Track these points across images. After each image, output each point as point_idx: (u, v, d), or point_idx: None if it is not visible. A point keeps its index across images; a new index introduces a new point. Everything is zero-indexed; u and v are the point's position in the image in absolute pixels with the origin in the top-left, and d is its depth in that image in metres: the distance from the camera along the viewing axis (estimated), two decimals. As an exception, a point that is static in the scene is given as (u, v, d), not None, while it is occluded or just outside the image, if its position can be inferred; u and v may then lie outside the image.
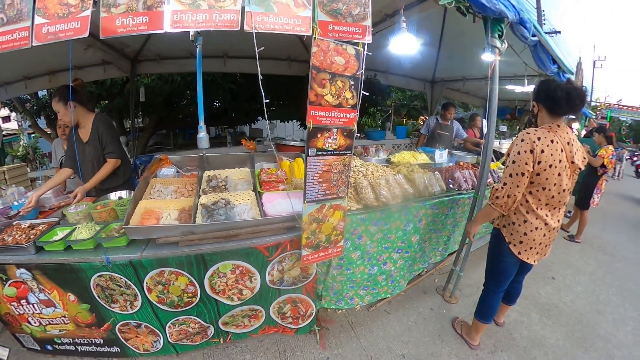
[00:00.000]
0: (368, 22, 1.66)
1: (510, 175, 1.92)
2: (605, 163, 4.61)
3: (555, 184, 1.91)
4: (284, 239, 2.01)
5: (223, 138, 9.32)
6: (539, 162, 1.84)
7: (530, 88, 4.81)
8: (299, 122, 7.44)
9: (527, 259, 2.12)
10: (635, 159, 16.14)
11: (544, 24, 13.71)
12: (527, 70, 4.27)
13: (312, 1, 1.55)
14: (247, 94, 7.55)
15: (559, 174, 1.89)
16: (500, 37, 2.45)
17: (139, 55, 4.91)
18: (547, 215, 2.02)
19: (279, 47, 5.07)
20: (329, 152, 1.80)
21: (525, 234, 2.05)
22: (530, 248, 2.10)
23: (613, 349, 2.66)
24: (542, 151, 1.83)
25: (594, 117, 9.54)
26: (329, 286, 2.54)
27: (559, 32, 15.42)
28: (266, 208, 2.09)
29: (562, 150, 1.87)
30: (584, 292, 3.49)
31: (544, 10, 13.33)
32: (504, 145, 6.10)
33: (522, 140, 1.88)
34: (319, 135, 1.72)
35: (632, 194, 10.44)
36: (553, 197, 1.96)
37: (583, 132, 7.12)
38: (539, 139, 1.85)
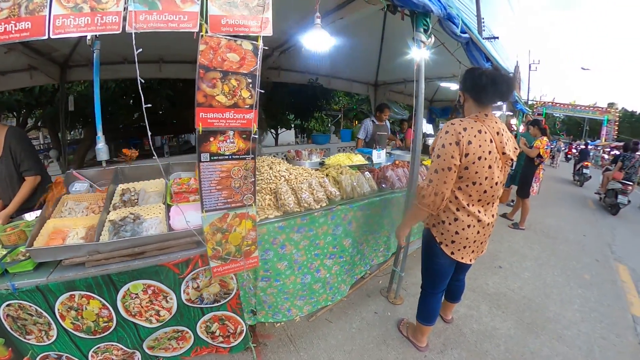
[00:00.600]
0: (268, 14, 1.50)
1: (436, 171, 1.69)
2: (541, 153, 4.75)
3: (486, 178, 1.72)
4: (193, 254, 1.80)
5: (171, 147, 8.68)
6: (467, 155, 1.63)
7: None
8: None
9: (462, 258, 1.91)
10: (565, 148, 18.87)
11: (484, 30, 14.39)
12: (462, 68, 4.30)
13: (201, -5, 1.40)
14: (188, 100, 7.00)
15: (490, 167, 1.70)
16: (426, 31, 2.38)
17: (69, 60, 4.40)
18: (479, 212, 1.82)
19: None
20: (226, 157, 1.61)
21: (457, 232, 1.84)
22: (464, 247, 1.89)
23: (563, 330, 2.65)
24: (469, 142, 1.62)
25: (530, 113, 10.18)
26: (261, 300, 2.29)
27: (497, 38, 16.36)
28: (172, 222, 1.85)
29: (491, 141, 1.68)
30: (531, 277, 3.48)
31: (483, 18, 13.98)
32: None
33: (447, 132, 1.66)
34: (211, 139, 1.54)
35: (565, 176, 12.72)
36: (485, 191, 1.76)
37: (522, 128, 7.32)
38: (465, 129, 1.64)
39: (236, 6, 1.44)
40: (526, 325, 2.66)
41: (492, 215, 1.91)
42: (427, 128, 8.09)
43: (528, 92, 26.02)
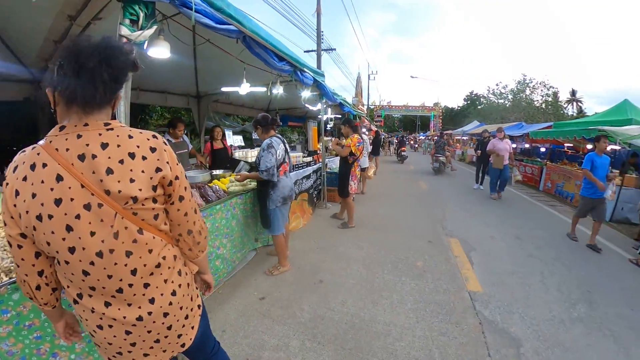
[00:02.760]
0: None
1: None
2: (353, 151, 4.50)
3: (71, 249, 0.85)
4: None
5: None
6: (22, 216, 0.84)
7: (246, 88, 4.42)
8: None
9: None
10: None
11: (323, 42, 14.97)
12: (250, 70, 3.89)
13: None
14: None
15: (70, 228, 0.83)
16: (134, 22, 1.64)
17: None
18: (107, 306, 0.93)
19: None
20: None
21: (90, 334, 1.00)
22: (118, 354, 1.00)
23: (395, 342, 2.19)
24: (17, 193, 0.82)
25: (365, 115, 11.30)
26: None
27: (334, 49, 17.43)
28: None
29: (59, 179, 0.82)
30: (356, 284, 2.95)
31: (323, 31, 14.49)
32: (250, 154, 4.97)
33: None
34: None
35: (394, 159, 16.94)
36: (86, 273, 0.88)
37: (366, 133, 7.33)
38: (14, 169, 0.85)
39: None
40: (347, 353, 2.09)
41: (161, 306, 0.99)
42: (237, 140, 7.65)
43: (368, 98, 29.15)
